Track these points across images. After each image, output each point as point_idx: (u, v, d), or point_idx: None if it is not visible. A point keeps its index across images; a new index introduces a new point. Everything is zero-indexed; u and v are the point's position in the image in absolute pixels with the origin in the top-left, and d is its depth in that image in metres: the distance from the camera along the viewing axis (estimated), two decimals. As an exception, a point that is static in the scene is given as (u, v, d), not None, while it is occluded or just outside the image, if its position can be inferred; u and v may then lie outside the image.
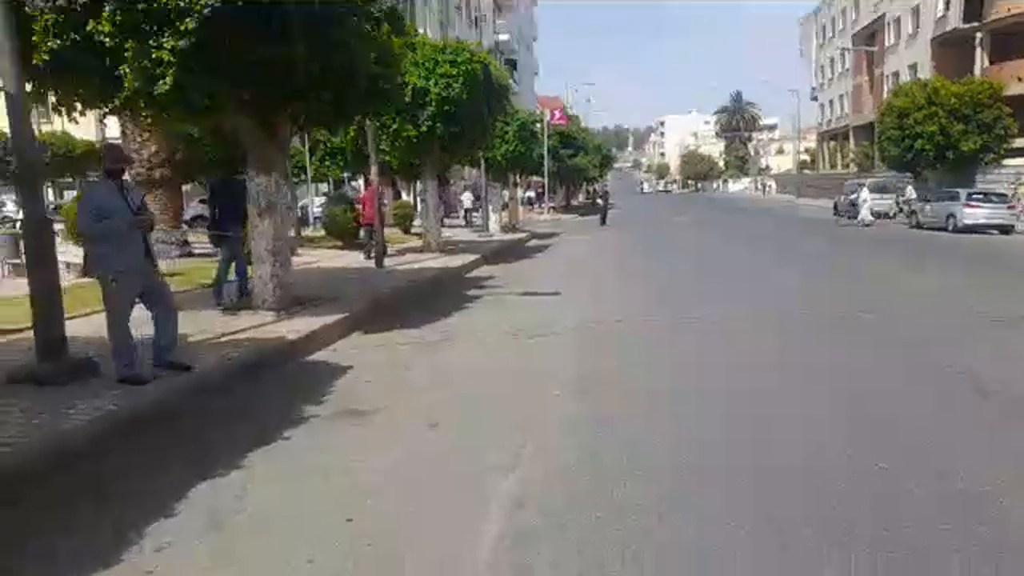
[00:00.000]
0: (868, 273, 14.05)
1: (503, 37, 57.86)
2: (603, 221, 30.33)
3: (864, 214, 27.64)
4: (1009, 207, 23.36)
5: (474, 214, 28.19)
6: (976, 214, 23.36)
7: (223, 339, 6.97)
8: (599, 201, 32.81)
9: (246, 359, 6.35)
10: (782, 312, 9.56)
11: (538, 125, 24.67)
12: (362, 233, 15.47)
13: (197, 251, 14.92)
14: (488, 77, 15.25)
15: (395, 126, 14.16)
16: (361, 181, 37.14)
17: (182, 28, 5.81)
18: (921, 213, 26.16)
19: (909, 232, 25.10)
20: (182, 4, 5.78)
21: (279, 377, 6.28)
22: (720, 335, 8.05)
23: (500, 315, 9.35)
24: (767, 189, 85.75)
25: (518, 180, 48.75)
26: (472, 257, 15.46)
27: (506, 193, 27.89)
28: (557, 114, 45.94)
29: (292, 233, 12.09)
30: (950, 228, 24.00)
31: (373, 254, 13.38)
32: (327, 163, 27.55)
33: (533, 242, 22.64)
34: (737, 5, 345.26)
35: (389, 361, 6.96)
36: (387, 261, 13.87)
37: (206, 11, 5.77)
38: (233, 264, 9.15)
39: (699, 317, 9.01)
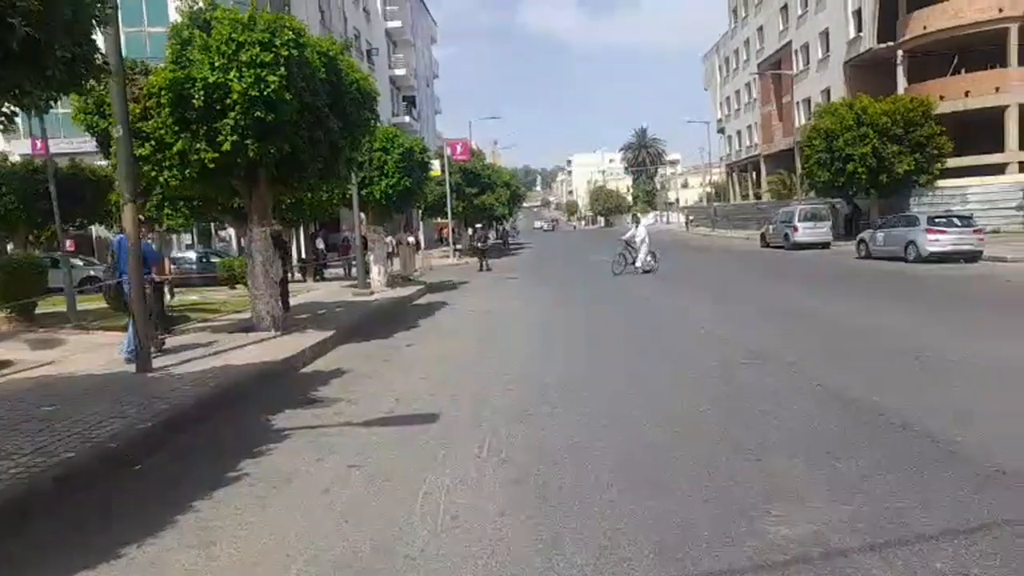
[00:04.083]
0: (893, 328, 9.91)
1: (399, 72, 53.77)
2: (482, 266, 27.47)
3: (642, 259, 20.50)
4: (975, 231, 20.28)
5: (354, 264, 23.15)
6: (941, 241, 20.17)
7: None
8: (477, 245, 29.31)
9: None
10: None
11: (428, 154, 19.84)
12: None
13: None
14: (334, 72, 10.45)
15: (177, 145, 9.11)
16: (231, 231, 31.32)
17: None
18: (872, 242, 22.94)
19: (862, 264, 21.75)
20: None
21: None
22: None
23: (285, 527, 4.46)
24: (668, 221, 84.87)
25: (415, 222, 43.94)
26: (314, 339, 10.40)
27: (390, 238, 22.97)
28: (459, 148, 41.84)
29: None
30: (910, 258, 20.75)
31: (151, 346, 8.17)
32: (167, 211, 22.00)
33: (425, 299, 17.73)
34: (634, 49, 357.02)
35: None
36: (166, 356, 8.69)
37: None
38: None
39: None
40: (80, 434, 5.50)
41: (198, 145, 9.08)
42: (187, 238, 34.04)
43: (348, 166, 11.93)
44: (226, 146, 8.97)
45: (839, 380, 6.84)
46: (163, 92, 8.85)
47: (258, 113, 8.80)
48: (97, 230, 28.54)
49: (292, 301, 16.82)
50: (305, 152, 9.96)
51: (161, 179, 9.56)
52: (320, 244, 30.46)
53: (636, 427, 5.64)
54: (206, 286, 23.11)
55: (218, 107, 8.91)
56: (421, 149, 19.17)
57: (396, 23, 52.77)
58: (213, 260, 25.50)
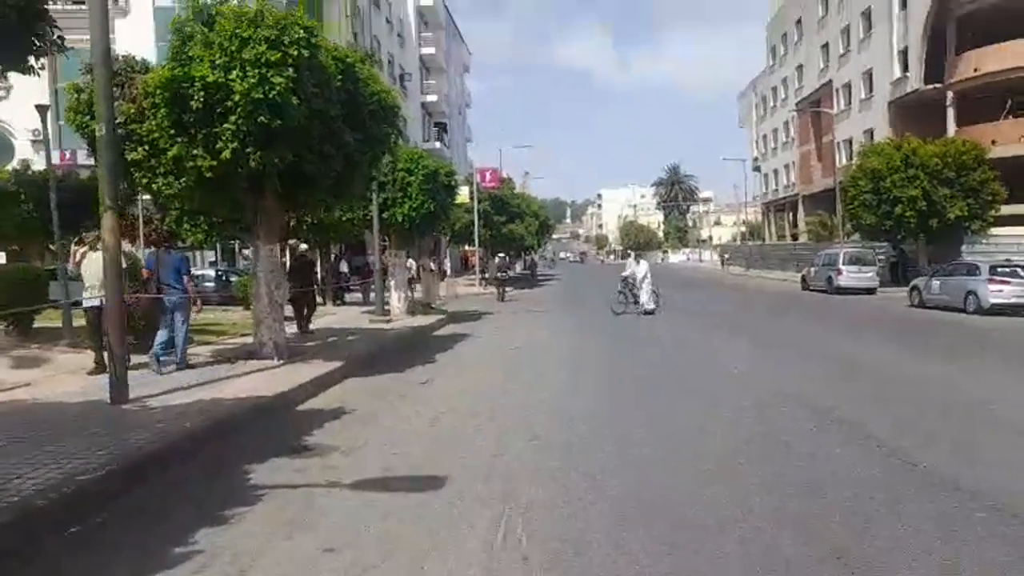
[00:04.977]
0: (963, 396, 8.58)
1: (431, 98, 53.58)
2: (500, 296, 26.80)
3: (644, 299, 18.87)
4: (1042, 283, 18.75)
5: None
6: (1005, 292, 18.68)
7: None
8: (499, 275, 28.73)
9: None
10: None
11: (455, 177, 18.94)
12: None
13: None
14: (352, 80, 9.55)
15: (172, 150, 8.22)
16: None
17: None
18: (926, 290, 21.44)
19: (915, 313, 20.27)
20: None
21: None
22: None
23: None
24: (701, 259, 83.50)
25: (442, 249, 43.23)
26: (319, 371, 9.37)
27: (411, 263, 21.99)
28: (488, 176, 41.15)
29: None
30: (969, 309, 19.24)
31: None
32: (186, 227, 21.36)
33: (446, 330, 16.67)
34: (668, 86, 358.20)
35: None
36: (150, 385, 7.74)
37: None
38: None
39: None
40: (5, 487, 4.46)
41: (195, 151, 8.19)
42: (211, 255, 33.54)
43: (365, 184, 10.98)
44: (226, 154, 8.06)
45: (933, 456, 5.59)
46: (159, 91, 8.01)
47: (262, 118, 7.89)
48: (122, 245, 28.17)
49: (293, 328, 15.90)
50: (316, 165, 9.01)
51: (154, 187, 8.67)
52: (344, 267, 29.68)
53: (681, 514, 4.46)
54: (223, 305, 22.33)
55: (219, 110, 8.02)
56: (447, 172, 18.27)
57: (430, 50, 52.69)
58: (232, 279, 24.76)
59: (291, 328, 14.62)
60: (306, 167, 8.80)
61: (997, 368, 10.79)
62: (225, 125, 8.04)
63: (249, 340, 11.40)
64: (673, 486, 4.96)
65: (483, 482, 5.08)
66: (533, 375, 10.03)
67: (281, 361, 9.92)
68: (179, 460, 5.57)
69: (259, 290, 10.10)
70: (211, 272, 26.52)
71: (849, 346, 13.15)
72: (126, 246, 28.36)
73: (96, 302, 8.69)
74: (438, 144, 50.84)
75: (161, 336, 9.34)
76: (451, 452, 5.92)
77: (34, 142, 26.73)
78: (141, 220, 21.90)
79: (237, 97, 7.88)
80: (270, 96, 7.86)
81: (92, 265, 8.76)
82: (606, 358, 11.81)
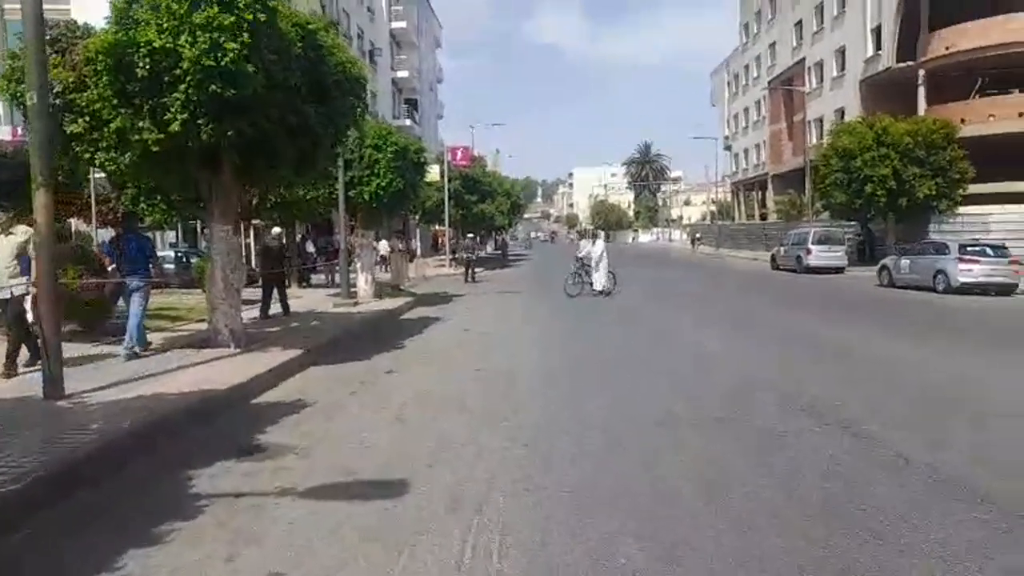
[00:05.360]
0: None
1: (402, 74, 52.44)
2: (468, 277, 26.40)
3: (601, 280, 18.33)
4: (1011, 262, 18.84)
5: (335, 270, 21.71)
6: (974, 271, 18.76)
7: None
8: (464, 254, 28.52)
9: None
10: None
11: (425, 154, 18.30)
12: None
13: None
14: (313, 48, 8.94)
15: (115, 122, 7.57)
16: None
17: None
18: (895, 269, 21.47)
19: (885, 293, 20.27)
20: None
21: None
22: None
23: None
24: (671, 239, 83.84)
25: (407, 228, 42.53)
26: (277, 360, 8.85)
27: (383, 244, 21.41)
28: (460, 154, 40.42)
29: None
30: (939, 288, 19.32)
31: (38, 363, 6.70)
32: (143, 205, 20.45)
33: (415, 313, 16.17)
34: (640, 63, 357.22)
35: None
36: (87, 379, 7.17)
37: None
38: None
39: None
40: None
41: (141, 123, 7.55)
42: (171, 236, 32.42)
43: (330, 159, 10.39)
44: (175, 126, 7.43)
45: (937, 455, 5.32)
46: (100, 58, 7.33)
47: (213, 87, 7.27)
48: (76, 224, 26.89)
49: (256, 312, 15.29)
50: (275, 139, 8.42)
51: (96, 162, 8.02)
52: (310, 248, 28.90)
53: (674, 519, 4.10)
54: (185, 288, 21.51)
55: (166, 79, 7.37)
56: (417, 149, 17.65)
57: (401, 24, 51.49)
58: (193, 261, 23.89)
59: (254, 312, 14.07)
60: (265, 141, 8.19)
61: (969, 348, 10.67)
62: (174, 95, 7.41)
63: (205, 327, 10.80)
64: (642, 476, 4.61)
65: (452, 485, 4.67)
66: (502, 360, 9.62)
67: (238, 349, 9.37)
68: (114, 465, 5.05)
69: (214, 273, 9.51)
70: (171, 254, 25.62)
71: (820, 326, 12.98)
72: (81, 226, 27.32)
73: (4, 294, 7.66)
74: (408, 121, 49.82)
75: (135, 325, 9.07)
76: (417, 449, 5.49)
77: (-13, 118, 25.42)
78: (94, 199, 20.90)
79: (186, 64, 7.24)
80: (222, 63, 7.23)
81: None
82: (575, 341, 11.45)
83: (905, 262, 21.08)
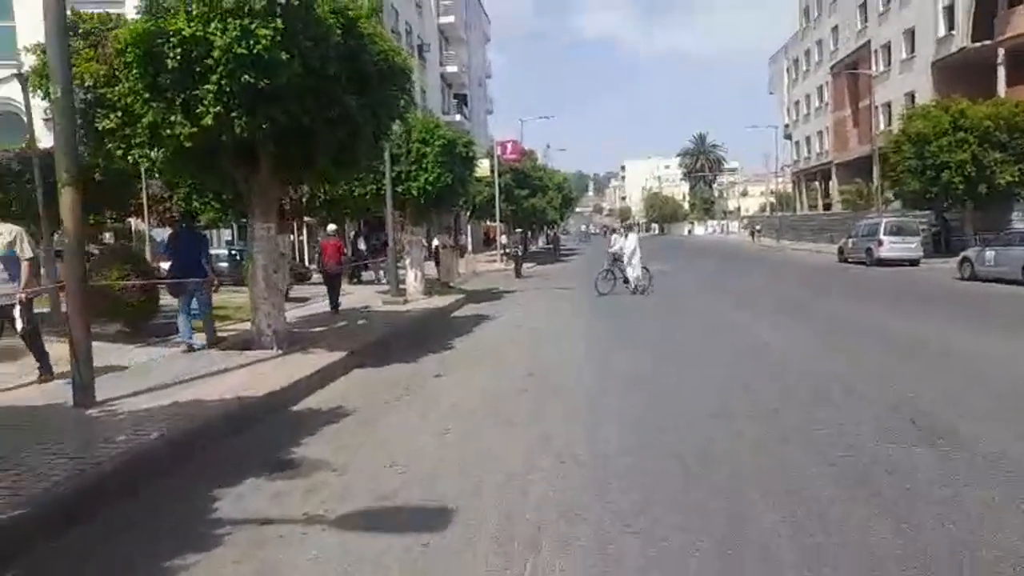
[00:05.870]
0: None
1: (451, 69, 52.16)
2: (518, 273, 26.46)
3: (635, 276, 17.24)
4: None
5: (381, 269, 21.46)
6: (1069, 263, 17.23)
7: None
8: (512, 249, 29.08)
9: None
10: None
11: (473, 148, 17.77)
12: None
13: None
14: (354, 37, 8.46)
15: (147, 116, 7.23)
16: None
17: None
18: (978, 262, 19.98)
19: (968, 287, 18.84)
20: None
21: None
22: None
23: None
24: (728, 231, 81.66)
25: (458, 223, 42.17)
26: (319, 363, 8.42)
27: (435, 240, 21.00)
28: (509, 148, 39.89)
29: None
30: (1029, 281, 17.82)
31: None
32: (196, 204, 20.53)
33: (465, 310, 15.69)
34: (694, 52, 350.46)
35: None
36: (128, 381, 6.84)
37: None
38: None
39: None
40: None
41: (173, 117, 7.19)
42: (227, 233, 32.81)
43: (373, 153, 9.93)
44: (207, 119, 7.05)
45: None
46: (130, 49, 6.99)
47: (246, 76, 6.85)
48: (136, 224, 27.35)
49: (312, 310, 15.07)
50: (313, 131, 7.98)
51: (130, 159, 7.71)
52: (361, 245, 28.80)
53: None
54: (238, 286, 21.58)
55: (198, 69, 6.99)
56: (465, 143, 17.14)
57: (449, 19, 51.17)
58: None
59: (301, 311, 13.83)
60: (301, 133, 7.76)
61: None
62: (206, 86, 7.02)
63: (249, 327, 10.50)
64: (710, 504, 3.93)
65: (501, 513, 4.09)
66: (553, 361, 9.01)
67: (280, 351, 9.00)
68: (136, 485, 4.64)
69: (255, 273, 9.16)
70: (224, 252, 25.81)
71: (905, 325, 11.93)
72: (140, 225, 27.74)
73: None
74: (458, 117, 49.51)
75: (183, 321, 9.49)
76: (464, 469, 4.93)
77: (45, 120, 26.07)
78: (146, 196, 21.07)
79: (217, 53, 6.85)
80: (254, 51, 6.81)
81: None
82: (627, 339, 10.75)
83: (990, 253, 19.57)
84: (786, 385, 7.35)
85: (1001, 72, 31.65)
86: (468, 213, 41.44)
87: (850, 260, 29.24)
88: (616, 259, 17.99)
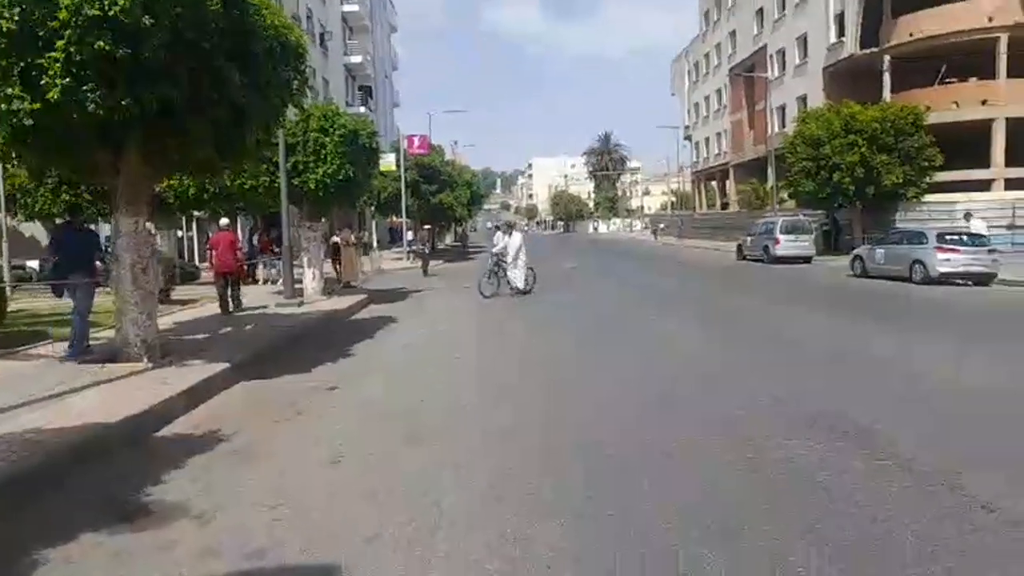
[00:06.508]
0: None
1: (355, 59, 50.41)
2: (425, 271, 25.74)
3: (519, 277, 16.40)
4: (989, 251, 18.25)
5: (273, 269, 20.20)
6: (952, 260, 18.08)
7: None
8: (420, 247, 28.27)
9: None
10: None
11: (377, 139, 16.79)
12: None
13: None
14: (237, 7, 7.45)
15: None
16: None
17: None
18: (869, 259, 20.78)
19: (862, 284, 19.55)
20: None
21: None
22: None
23: None
24: (632, 229, 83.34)
25: (361, 219, 40.79)
26: (194, 378, 7.42)
27: (333, 238, 19.87)
28: (417, 142, 38.82)
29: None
30: (916, 278, 18.62)
31: None
32: (64, 195, 18.53)
33: (367, 312, 14.76)
34: (599, 53, 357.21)
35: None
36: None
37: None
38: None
39: None
40: None
41: (10, 90, 6.02)
42: (107, 229, 30.23)
43: (261, 141, 8.91)
44: (53, 93, 5.94)
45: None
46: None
47: (100, 44, 5.79)
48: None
49: (199, 312, 13.79)
50: (187, 113, 6.96)
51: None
52: (256, 241, 27.10)
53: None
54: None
55: (41, 33, 5.87)
56: (369, 133, 16.15)
57: (353, 7, 49.45)
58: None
59: (187, 314, 12.50)
60: (173, 115, 6.72)
61: (959, 339, 9.77)
62: (51, 54, 5.91)
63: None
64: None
65: (399, 570, 3.39)
66: (466, 377, 8.34)
67: (150, 364, 7.90)
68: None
69: (121, 274, 8.00)
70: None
71: (817, 323, 12.02)
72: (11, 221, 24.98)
73: None
74: (363, 108, 47.92)
75: (78, 325, 8.81)
76: (355, 510, 4.18)
77: None
78: (1, 187, 18.89)
79: (64, 14, 5.76)
80: (109, 13, 5.77)
81: None
82: (532, 346, 10.25)
83: (880, 252, 20.38)
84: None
85: (887, 78, 33.37)
86: (373, 208, 40.13)
87: (748, 258, 30.07)
88: (500, 259, 16.81)
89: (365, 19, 52.25)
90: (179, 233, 29.84)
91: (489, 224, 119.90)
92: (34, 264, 25.46)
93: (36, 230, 30.54)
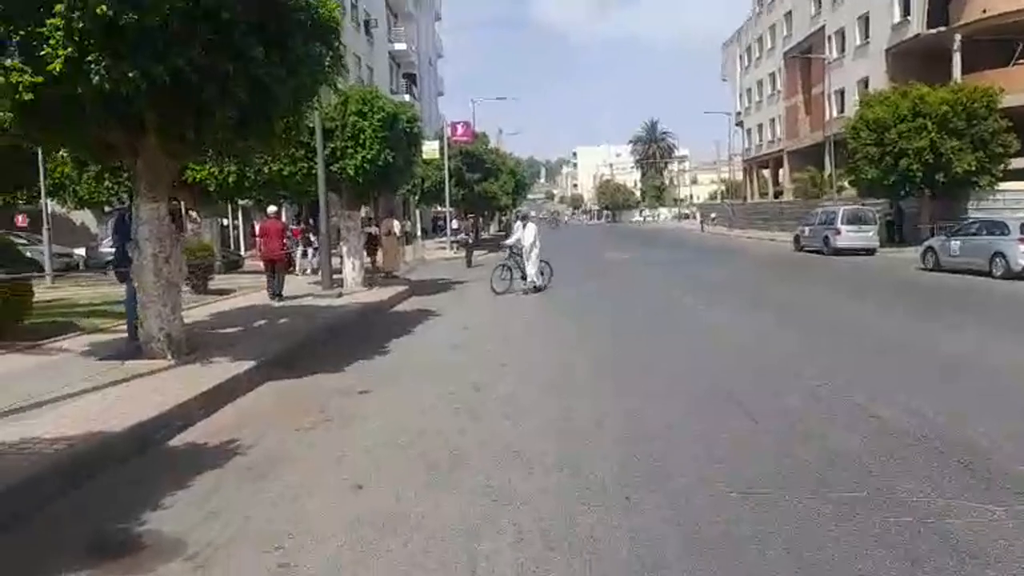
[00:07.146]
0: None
1: (400, 47, 49.94)
2: (469, 262, 24.70)
3: (532, 272, 15.24)
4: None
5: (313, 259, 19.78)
6: (1040, 254, 16.61)
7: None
8: (462, 236, 27.90)
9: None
10: None
11: (418, 124, 16.11)
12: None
13: None
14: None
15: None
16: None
17: None
18: (943, 252, 19.35)
19: (935, 278, 18.15)
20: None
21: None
22: None
23: None
24: (680, 219, 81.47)
25: (405, 208, 40.36)
26: (218, 378, 6.85)
27: (372, 228, 19.33)
28: (460, 129, 38.13)
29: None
30: (996, 272, 17.19)
31: None
32: (107, 183, 18.40)
33: (407, 305, 14.14)
34: (646, 39, 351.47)
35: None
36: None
37: None
38: None
39: None
40: None
41: (8, 61, 5.47)
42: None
43: (289, 122, 8.28)
44: (55, 64, 5.36)
45: None
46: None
47: (103, 8, 5.18)
48: (52, 205, 24.72)
49: (236, 303, 13.37)
50: (202, 88, 6.33)
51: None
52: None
53: None
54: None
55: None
56: (409, 118, 15.47)
57: (397, -6, 48.93)
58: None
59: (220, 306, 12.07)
60: (188, 91, 6.11)
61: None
62: (50, 20, 5.34)
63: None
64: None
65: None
66: (513, 379, 7.59)
67: (173, 361, 7.37)
68: None
69: (142, 264, 7.47)
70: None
71: (890, 325, 10.93)
72: (61, 208, 25.15)
73: None
74: (407, 96, 47.46)
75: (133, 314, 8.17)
76: (378, 548, 3.48)
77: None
78: (43, 173, 18.82)
79: (65, -22, 5.17)
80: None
81: None
82: (583, 345, 9.44)
83: (955, 243, 18.92)
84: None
85: (957, 59, 31.34)
86: (416, 197, 39.65)
87: (806, 249, 28.66)
88: (514, 253, 15.71)
89: (409, 6, 51.76)
90: (223, 222, 29.77)
91: (533, 213, 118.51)
92: (81, 252, 25.69)
93: (86, 217, 30.90)
